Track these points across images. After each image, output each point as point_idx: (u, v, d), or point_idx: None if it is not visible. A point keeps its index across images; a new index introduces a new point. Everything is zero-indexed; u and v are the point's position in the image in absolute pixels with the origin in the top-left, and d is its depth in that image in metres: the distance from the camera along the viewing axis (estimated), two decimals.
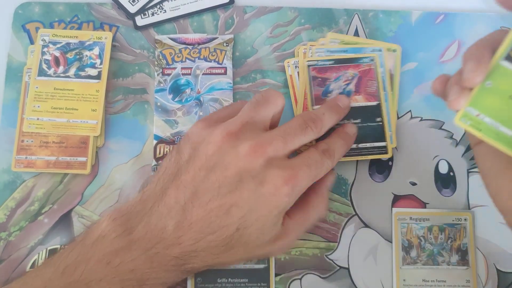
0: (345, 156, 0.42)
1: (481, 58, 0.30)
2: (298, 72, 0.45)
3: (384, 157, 0.43)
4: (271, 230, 0.35)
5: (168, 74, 0.45)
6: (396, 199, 0.43)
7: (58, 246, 0.41)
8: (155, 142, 0.44)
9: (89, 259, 0.31)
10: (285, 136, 0.35)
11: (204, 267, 0.35)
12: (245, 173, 0.33)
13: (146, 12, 0.47)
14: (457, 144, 0.45)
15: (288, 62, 0.46)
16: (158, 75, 0.45)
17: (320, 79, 0.44)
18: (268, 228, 0.34)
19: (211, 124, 0.36)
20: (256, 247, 0.35)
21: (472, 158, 0.44)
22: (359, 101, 0.43)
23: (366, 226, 0.43)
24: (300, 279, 0.42)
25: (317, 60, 0.45)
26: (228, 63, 0.46)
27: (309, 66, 0.44)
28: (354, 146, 0.42)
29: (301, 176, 0.34)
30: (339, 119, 0.41)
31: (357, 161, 0.44)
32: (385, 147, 0.43)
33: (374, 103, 0.43)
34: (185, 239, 0.32)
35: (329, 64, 0.44)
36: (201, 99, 0.45)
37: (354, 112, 0.43)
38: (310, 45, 0.45)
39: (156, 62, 0.46)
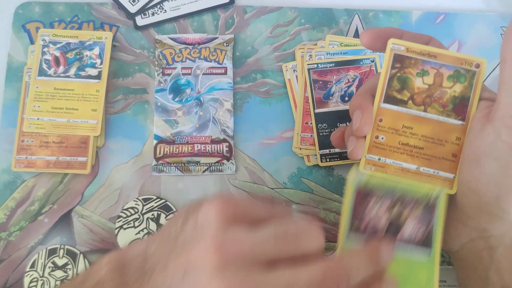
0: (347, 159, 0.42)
1: (363, 107, 0.32)
2: (296, 76, 0.45)
3: None
4: None
5: (168, 74, 0.45)
6: None
7: (58, 246, 0.41)
8: (155, 142, 0.44)
9: None
10: None
11: None
12: None
13: (146, 12, 0.47)
14: None
15: (286, 66, 0.45)
16: (158, 75, 0.45)
17: (321, 82, 0.44)
18: None
19: (225, 215, 0.28)
20: None
21: None
22: None
23: None
24: None
25: (317, 63, 0.44)
26: (228, 63, 0.46)
27: (309, 69, 0.44)
28: None
29: None
30: (371, 276, 0.29)
31: None
32: None
33: None
34: None
35: (330, 67, 0.44)
36: (201, 99, 0.45)
37: None
38: (308, 48, 0.45)
39: (156, 62, 0.46)
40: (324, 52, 0.45)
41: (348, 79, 0.44)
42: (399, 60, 0.33)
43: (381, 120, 0.33)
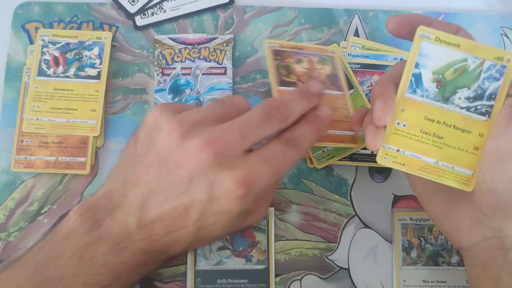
0: (357, 160, 0.42)
1: (386, 96, 0.32)
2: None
3: None
4: (237, 221, 0.33)
5: (168, 74, 0.45)
6: (396, 200, 0.43)
7: None
8: None
9: (61, 255, 0.31)
10: (241, 129, 0.31)
11: (180, 253, 0.34)
12: (195, 173, 0.30)
13: (146, 12, 0.47)
14: None
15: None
16: (157, 75, 0.45)
17: None
18: (233, 223, 0.33)
19: (168, 111, 0.32)
20: (227, 233, 0.35)
21: None
22: None
23: (366, 226, 0.43)
24: (300, 279, 0.42)
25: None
26: (228, 63, 0.46)
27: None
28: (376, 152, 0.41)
29: (258, 176, 0.31)
30: (309, 107, 0.35)
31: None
32: None
33: None
34: (150, 235, 0.31)
35: (355, 68, 0.44)
36: (201, 99, 0.45)
37: None
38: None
39: (155, 62, 0.46)
40: (345, 53, 0.45)
41: (371, 83, 0.44)
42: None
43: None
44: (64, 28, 0.46)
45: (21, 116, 0.43)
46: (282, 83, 0.38)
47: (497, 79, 0.31)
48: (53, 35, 0.45)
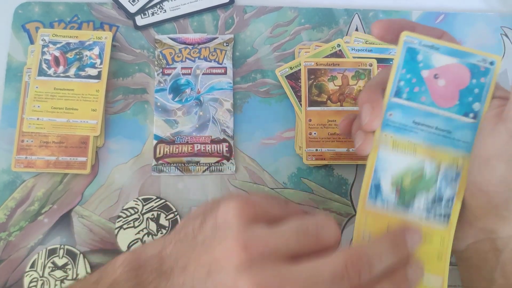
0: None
1: (373, 101, 0.31)
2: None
3: None
4: None
5: (168, 74, 0.45)
6: None
7: (58, 246, 0.41)
8: (155, 142, 0.44)
9: None
10: (304, 286, 0.27)
11: None
12: None
13: (146, 12, 0.47)
14: None
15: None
16: (158, 75, 0.45)
17: None
18: None
19: (243, 217, 0.29)
20: None
21: None
22: None
23: None
24: None
25: None
26: (228, 63, 0.46)
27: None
28: None
29: None
30: (398, 263, 0.29)
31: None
32: None
33: None
34: None
35: None
36: (201, 99, 0.45)
37: None
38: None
39: (156, 62, 0.46)
40: (349, 48, 0.45)
41: None
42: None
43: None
44: (65, 28, 0.46)
45: (22, 116, 0.43)
46: (312, 103, 0.42)
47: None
48: (54, 35, 0.45)
